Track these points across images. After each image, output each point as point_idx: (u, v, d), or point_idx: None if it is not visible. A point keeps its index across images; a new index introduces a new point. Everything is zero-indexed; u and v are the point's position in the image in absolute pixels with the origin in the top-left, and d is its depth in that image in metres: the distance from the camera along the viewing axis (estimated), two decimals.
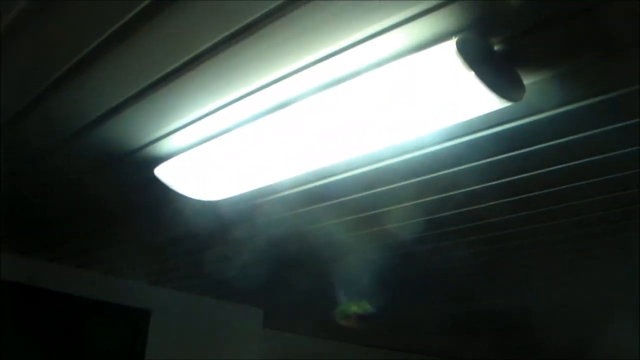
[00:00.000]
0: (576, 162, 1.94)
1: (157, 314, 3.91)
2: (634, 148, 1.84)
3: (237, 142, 1.81)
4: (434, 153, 1.89)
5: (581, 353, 6.35)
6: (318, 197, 2.33)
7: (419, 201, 2.33)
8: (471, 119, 1.53)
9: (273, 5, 1.26)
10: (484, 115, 1.48)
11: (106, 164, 2.08)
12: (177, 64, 1.50)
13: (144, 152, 1.97)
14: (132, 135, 1.87)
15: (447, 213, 2.46)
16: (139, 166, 2.06)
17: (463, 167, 2.01)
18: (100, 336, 3.69)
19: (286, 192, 2.28)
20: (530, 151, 1.86)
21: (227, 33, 1.37)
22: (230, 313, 4.39)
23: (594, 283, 3.69)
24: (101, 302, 3.69)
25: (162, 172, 2.02)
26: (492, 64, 1.33)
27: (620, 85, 1.51)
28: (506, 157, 1.92)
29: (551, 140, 1.79)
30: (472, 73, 1.28)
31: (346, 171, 2.07)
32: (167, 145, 1.93)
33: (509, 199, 2.29)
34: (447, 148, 1.86)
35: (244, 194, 2.19)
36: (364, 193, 2.27)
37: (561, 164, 1.96)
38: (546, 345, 6.00)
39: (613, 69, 1.45)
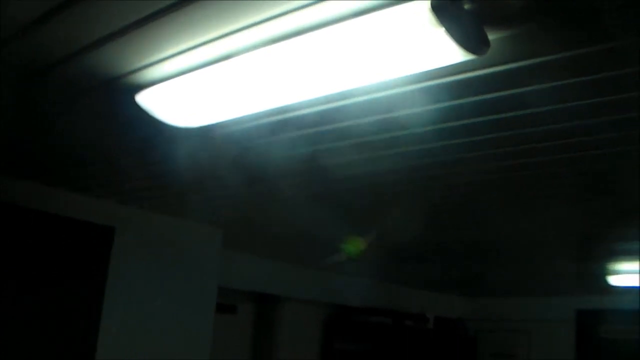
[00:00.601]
0: (529, 111, 2.12)
1: (121, 232, 4.04)
2: (588, 102, 2.02)
3: (215, 76, 1.92)
4: (401, 93, 2.04)
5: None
6: (286, 126, 2.46)
7: (384, 136, 2.49)
8: (438, 68, 1.68)
9: None
10: (451, 65, 1.63)
11: (89, 89, 2.16)
12: (163, 5, 1.59)
13: (127, 79, 2.06)
14: (116, 63, 1.95)
15: (414, 148, 2.63)
16: (121, 92, 2.15)
17: (430, 107, 2.17)
18: (65, 252, 3.80)
19: (259, 122, 2.40)
20: (489, 99, 2.03)
21: None
22: (192, 232, 4.55)
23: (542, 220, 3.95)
24: (66, 218, 3.78)
25: (143, 98, 2.13)
26: (461, 21, 1.46)
27: (575, 46, 1.66)
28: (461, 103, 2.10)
29: (509, 89, 1.95)
30: (443, 29, 1.42)
31: (315, 105, 2.19)
32: (148, 74, 2.02)
33: (463, 140, 2.48)
34: (412, 90, 2.01)
35: (220, 122, 2.31)
36: (333, 125, 2.40)
37: (515, 111, 2.14)
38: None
39: (570, 31, 1.59)
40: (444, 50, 1.50)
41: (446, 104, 2.13)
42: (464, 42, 1.47)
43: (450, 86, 1.95)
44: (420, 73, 1.77)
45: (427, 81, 1.93)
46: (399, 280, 7.25)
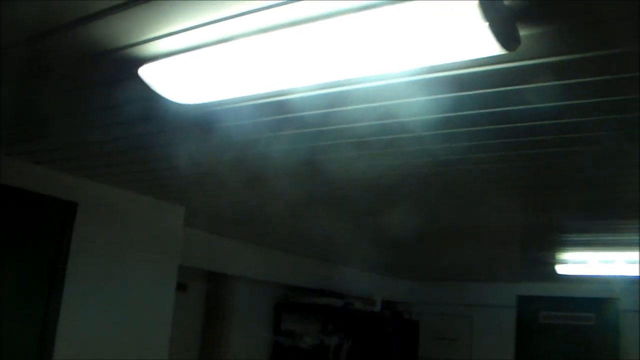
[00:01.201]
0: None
1: (83, 207, 3.93)
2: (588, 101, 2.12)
3: (219, 55, 1.90)
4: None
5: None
6: (277, 110, 2.45)
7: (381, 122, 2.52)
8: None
9: None
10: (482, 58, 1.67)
11: (87, 58, 2.10)
12: None
13: (128, 51, 2.01)
14: (119, 34, 1.89)
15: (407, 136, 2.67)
16: (116, 65, 2.11)
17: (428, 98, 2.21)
18: (26, 226, 3.66)
19: (249, 103, 2.38)
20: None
21: None
22: (155, 209, 4.48)
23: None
24: (28, 192, 3.65)
25: (145, 72, 2.08)
26: (501, 17, 1.49)
27: (599, 47, 1.73)
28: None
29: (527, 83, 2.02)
30: (487, 24, 1.45)
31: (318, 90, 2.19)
32: (151, 48, 1.98)
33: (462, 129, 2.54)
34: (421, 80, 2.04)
35: (214, 101, 2.29)
36: (329, 110, 2.40)
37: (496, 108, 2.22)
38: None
39: (596, 33, 1.66)
40: (481, 44, 1.53)
41: (447, 95, 2.17)
42: (501, 36, 1.51)
43: (462, 78, 1.99)
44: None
45: (442, 72, 1.96)
46: (348, 262, 7.34)
